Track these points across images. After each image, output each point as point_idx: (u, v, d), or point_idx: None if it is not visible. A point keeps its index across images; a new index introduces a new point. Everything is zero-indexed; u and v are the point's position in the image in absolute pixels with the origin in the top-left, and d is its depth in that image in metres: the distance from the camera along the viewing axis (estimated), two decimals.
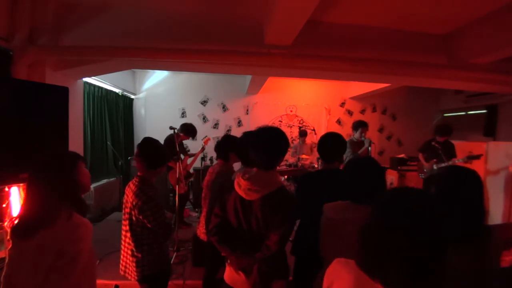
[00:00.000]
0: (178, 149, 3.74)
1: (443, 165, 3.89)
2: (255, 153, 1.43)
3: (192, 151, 5.36)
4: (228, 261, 1.52)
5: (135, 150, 1.83)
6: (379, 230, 0.77)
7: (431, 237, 0.71)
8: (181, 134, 4.10)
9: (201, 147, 4.29)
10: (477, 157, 3.80)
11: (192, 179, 3.63)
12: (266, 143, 1.42)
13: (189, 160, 4.35)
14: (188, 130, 4.12)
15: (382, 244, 0.75)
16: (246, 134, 2.11)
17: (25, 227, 1.14)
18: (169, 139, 3.81)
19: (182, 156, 3.94)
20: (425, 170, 4.12)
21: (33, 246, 1.11)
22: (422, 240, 0.71)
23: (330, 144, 1.98)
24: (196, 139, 4.96)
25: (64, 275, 1.12)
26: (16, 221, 1.19)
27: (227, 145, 2.38)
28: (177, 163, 3.20)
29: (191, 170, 4.45)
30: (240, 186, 1.41)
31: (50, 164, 1.22)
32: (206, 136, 5.76)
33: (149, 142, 1.85)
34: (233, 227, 1.47)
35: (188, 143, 5.95)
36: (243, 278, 1.45)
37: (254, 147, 1.44)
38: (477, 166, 4.09)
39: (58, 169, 1.21)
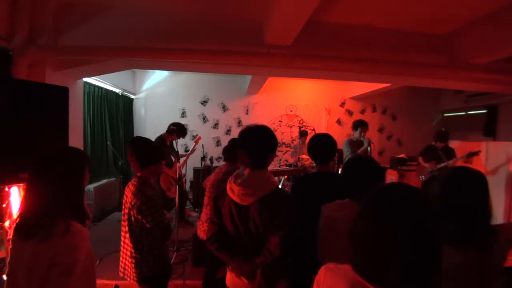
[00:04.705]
0: (168, 150, 3.76)
1: (442, 165, 3.92)
2: (243, 153, 1.41)
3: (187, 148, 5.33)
4: (229, 266, 1.50)
5: (127, 151, 1.80)
6: (368, 229, 0.75)
7: (421, 233, 0.69)
8: (173, 134, 4.05)
9: (191, 148, 4.28)
10: (476, 153, 3.85)
11: (180, 182, 3.65)
12: (253, 141, 1.40)
13: (181, 160, 4.34)
14: (178, 131, 4.06)
15: (372, 244, 0.73)
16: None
17: (22, 228, 1.11)
18: (158, 141, 3.82)
19: (172, 159, 3.94)
20: (426, 171, 4.13)
21: (28, 251, 1.07)
22: (412, 237, 0.69)
23: (325, 145, 1.94)
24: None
25: (59, 285, 1.07)
26: (17, 220, 1.15)
27: (235, 149, 2.42)
28: (177, 163, 3.22)
29: (183, 171, 4.43)
30: (233, 191, 1.38)
31: (58, 161, 1.15)
32: (197, 135, 5.72)
33: (138, 140, 1.83)
34: (231, 233, 1.44)
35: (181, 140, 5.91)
36: (245, 283, 1.42)
37: (242, 147, 1.42)
38: (477, 166, 4.09)
39: (66, 168, 1.15)
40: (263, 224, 1.35)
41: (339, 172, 4.20)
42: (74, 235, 1.10)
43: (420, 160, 4.29)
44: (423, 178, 4.20)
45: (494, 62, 3.35)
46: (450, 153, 4.07)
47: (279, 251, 1.33)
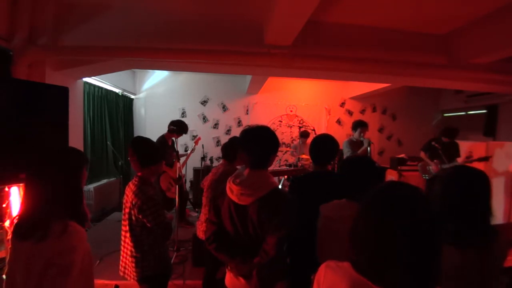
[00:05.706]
0: (170, 150, 3.75)
1: (444, 166, 3.90)
2: (244, 152, 1.41)
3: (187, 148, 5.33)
4: (228, 267, 1.50)
5: (128, 150, 1.80)
6: (368, 229, 0.75)
7: (421, 233, 0.69)
8: (173, 134, 4.01)
9: (191, 148, 4.27)
10: (486, 158, 3.75)
11: (180, 182, 3.65)
12: (255, 141, 1.40)
13: (181, 160, 4.32)
14: (179, 129, 3.99)
15: (372, 244, 0.73)
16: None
17: (21, 229, 1.11)
18: (160, 141, 3.80)
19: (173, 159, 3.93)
20: (429, 169, 4.08)
21: (26, 251, 1.08)
22: (412, 237, 0.69)
23: (327, 148, 1.95)
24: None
25: (56, 285, 1.07)
26: (15, 221, 1.16)
27: (235, 148, 2.40)
28: (177, 163, 3.21)
29: (183, 172, 4.41)
30: (232, 191, 1.38)
31: (55, 160, 1.16)
32: (197, 135, 5.73)
33: (140, 140, 1.84)
34: (230, 233, 1.44)
35: (182, 140, 5.89)
36: (243, 283, 1.42)
37: (243, 146, 1.42)
38: (477, 166, 4.08)
39: (64, 168, 1.16)
40: (261, 224, 1.34)
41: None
42: (72, 236, 1.10)
43: (422, 155, 4.22)
44: (427, 177, 4.16)
45: (494, 62, 3.34)
46: (451, 149, 3.99)
47: (275, 252, 1.31)
